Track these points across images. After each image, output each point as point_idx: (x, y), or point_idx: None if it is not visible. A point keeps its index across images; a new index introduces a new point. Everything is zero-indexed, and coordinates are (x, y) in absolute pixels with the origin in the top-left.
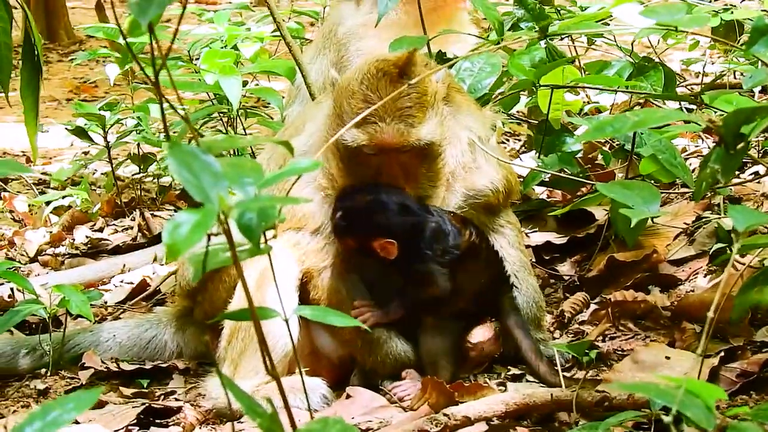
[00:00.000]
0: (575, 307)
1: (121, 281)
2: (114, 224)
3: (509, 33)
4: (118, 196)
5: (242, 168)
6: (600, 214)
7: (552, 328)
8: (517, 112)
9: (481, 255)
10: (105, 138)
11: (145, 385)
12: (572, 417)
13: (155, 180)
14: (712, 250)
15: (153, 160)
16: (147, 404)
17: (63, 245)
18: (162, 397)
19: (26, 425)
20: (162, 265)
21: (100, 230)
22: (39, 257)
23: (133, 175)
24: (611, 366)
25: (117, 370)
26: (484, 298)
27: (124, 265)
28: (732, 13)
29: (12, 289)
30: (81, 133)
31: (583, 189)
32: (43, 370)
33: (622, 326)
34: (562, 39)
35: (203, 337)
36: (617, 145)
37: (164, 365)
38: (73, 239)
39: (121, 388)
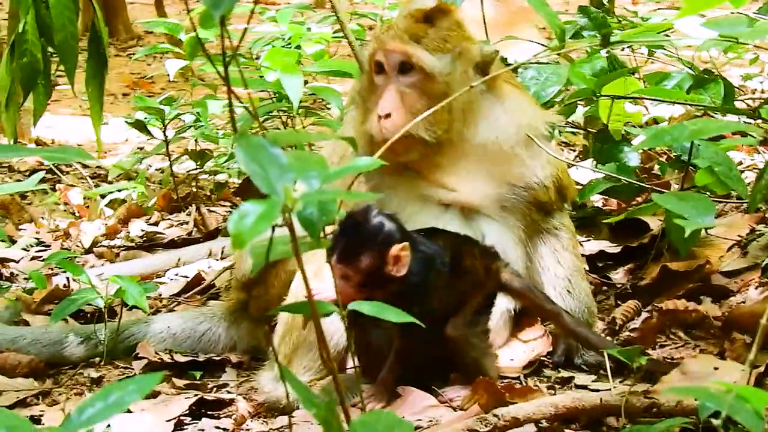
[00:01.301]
0: (627, 315)
1: (176, 275)
2: (169, 219)
3: (570, 41)
4: (174, 190)
5: (308, 161)
6: (654, 224)
7: (603, 335)
8: (574, 122)
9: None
10: (164, 132)
11: (198, 377)
12: (620, 422)
13: (211, 176)
14: (764, 263)
15: (210, 156)
16: (199, 396)
17: (118, 238)
18: (214, 389)
19: (88, 406)
20: (217, 260)
21: (156, 224)
22: (94, 249)
23: (189, 170)
24: (661, 374)
25: (170, 361)
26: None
27: (179, 259)
28: None
29: (68, 279)
30: (140, 126)
31: (638, 199)
32: (96, 359)
33: (673, 335)
34: (623, 49)
35: (259, 330)
36: (674, 156)
37: (217, 358)
38: (129, 232)
39: (174, 379)
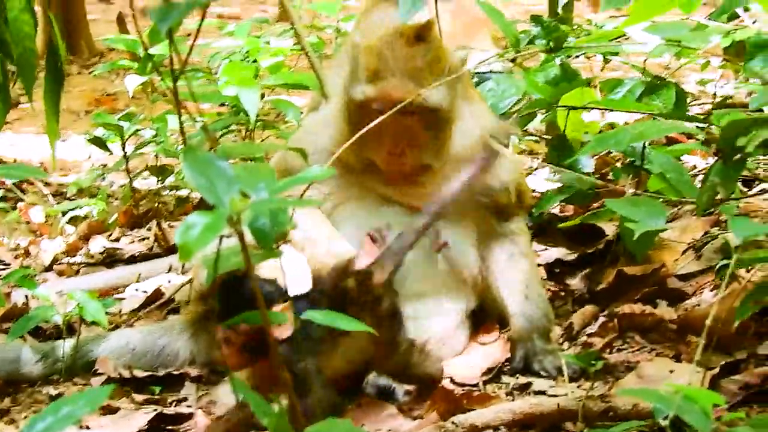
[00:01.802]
0: (584, 320)
1: (136, 290)
2: (130, 235)
3: (529, 47)
4: (135, 207)
5: (256, 173)
6: (610, 229)
7: (561, 340)
8: (534, 129)
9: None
10: (123, 148)
11: (157, 392)
12: (577, 426)
13: (172, 192)
14: (718, 266)
15: (171, 171)
16: (159, 410)
17: (79, 255)
18: (174, 403)
19: (39, 420)
20: (178, 274)
21: (117, 240)
22: (54, 266)
23: (150, 187)
24: (617, 378)
25: (129, 377)
26: None
27: (140, 274)
28: (740, 32)
29: (27, 296)
30: (99, 142)
31: (595, 204)
32: (55, 377)
33: (630, 339)
34: (577, 57)
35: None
36: (627, 162)
37: (177, 372)
38: (89, 249)
39: (133, 394)
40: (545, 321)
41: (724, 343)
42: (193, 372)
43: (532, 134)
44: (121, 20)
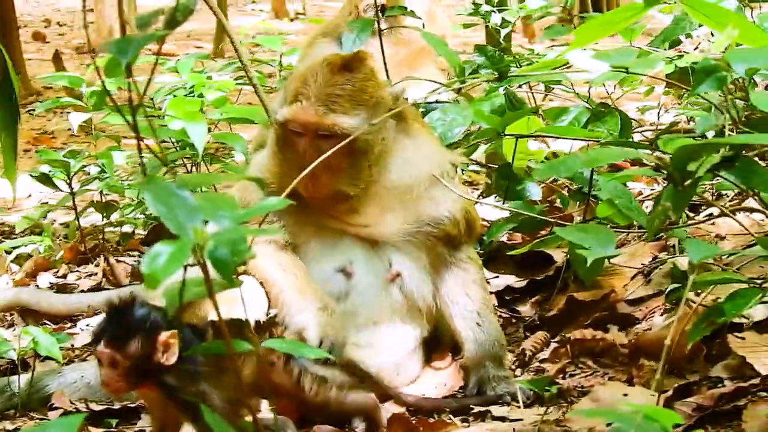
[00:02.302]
0: (536, 346)
1: (87, 325)
2: (78, 271)
3: (470, 78)
4: (80, 243)
5: (217, 202)
6: (558, 256)
7: (513, 366)
8: (476, 160)
9: None
10: (69, 185)
11: (114, 425)
12: None
13: (118, 227)
14: (668, 290)
15: (116, 207)
16: None
17: None
18: None
19: None
20: None
21: (64, 277)
22: None
23: (94, 223)
24: (571, 402)
25: (86, 410)
26: None
27: (89, 306)
28: (686, 58)
29: None
30: (46, 179)
31: (542, 232)
32: (11, 412)
33: (582, 364)
34: (520, 86)
35: None
36: (575, 188)
37: (132, 405)
38: (37, 285)
39: (89, 427)
40: (498, 347)
41: (676, 366)
42: None
43: (475, 163)
44: (57, 58)
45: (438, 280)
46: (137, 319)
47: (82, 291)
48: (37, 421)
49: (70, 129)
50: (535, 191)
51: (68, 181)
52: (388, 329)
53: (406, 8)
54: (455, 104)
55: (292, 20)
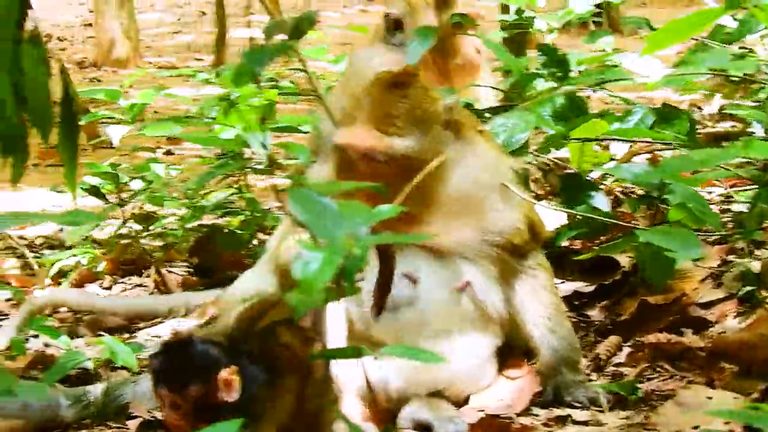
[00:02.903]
0: (609, 350)
1: (148, 335)
2: (123, 282)
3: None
4: (123, 254)
5: (354, 209)
6: (624, 260)
7: (588, 371)
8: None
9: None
10: (119, 196)
11: None
12: None
13: (156, 239)
14: (741, 293)
15: (155, 219)
16: None
17: None
18: None
19: None
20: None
21: (109, 288)
22: (54, 315)
23: (136, 232)
24: (652, 406)
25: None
26: None
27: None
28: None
29: (45, 344)
30: (95, 191)
31: (602, 237)
32: (88, 421)
33: (659, 367)
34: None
35: None
36: (641, 193)
37: None
38: None
39: None
40: (572, 352)
41: (757, 369)
42: None
43: (546, 166)
44: (63, 73)
45: (508, 288)
46: (196, 359)
47: None
48: (116, 430)
49: (79, 144)
50: (600, 199)
51: (117, 192)
52: (461, 338)
53: (464, 15)
54: (517, 109)
55: None
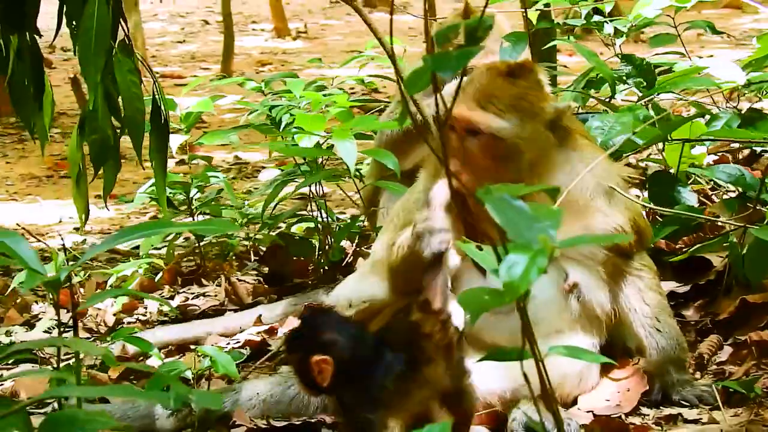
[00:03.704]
0: (711, 349)
1: (227, 344)
2: (183, 292)
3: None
4: (180, 264)
5: (544, 212)
6: (716, 260)
7: (692, 370)
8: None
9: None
10: (189, 205)
11: None
12: None
13: (216, 247)
14: None
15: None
16: None
17: (136, 314)
18: None
19: None
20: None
21: (171, 298)
22: (119, 326)
23: (192, 243)
24: (761, 404)
25: (266, 426)
26: None
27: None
28: None
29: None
30: (168, 202)
31: (685, 239)
32: (188, 430)
33: (764, 365)
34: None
35: None
36: (738, 192)
37: (313, 420)
38: (146, 307)
39: None
40: (679, 352)
41: None
42: (328, 419)
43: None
44: (75, 83)
45: (614, 288)
46: (305, 335)
47: (204, 312)
48: None
49: (89, 154)
50: (689, 196)
51: (188, 201)
52: (569, 339)
53: None
54: (617, 113)
55: (294, 39)
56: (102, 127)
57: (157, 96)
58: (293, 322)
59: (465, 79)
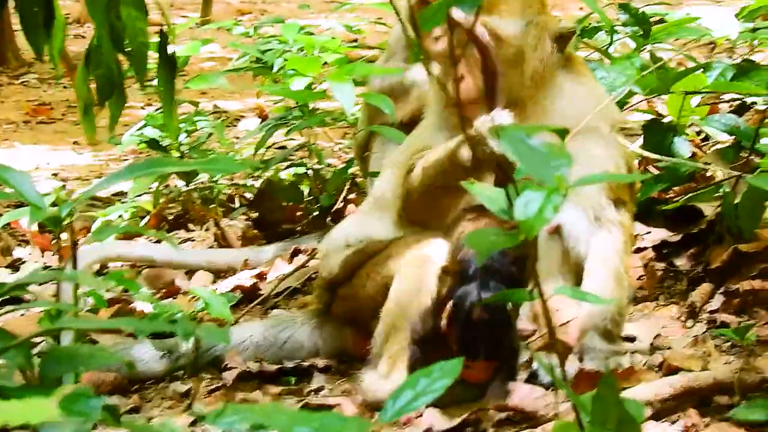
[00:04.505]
0: (703, 297)
1: (216, 289)
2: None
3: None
4: (164, 208)
5: (556, 150)
6: (708, 209)
7: (683, 318)
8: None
9: None
10: (179, 150)
11: (293, 383)
12: (734, 399)
13: (201, 193)
14: None
15: (196, 174)
16: (303, 401)
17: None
18: (312, 394)
19: (406, 388)
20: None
21: (158, 242)
22: (105, 270)
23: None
24: (752, 352)
25: (258, 370)
26: None
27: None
28: None
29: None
30: (155, 144)
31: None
32: (180, 373)
33: (756, 314)
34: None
35: (347, 331)
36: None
37: (305, 364)
38: None
39: (267, 386)
40: (608, 322)
41: None
42: (321, 363)
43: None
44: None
45: (589, 236)
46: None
47: None
48: (209, 381)
49: (66, 99)
50: (683, 145)
51: (177, 146)
52: (548, 282)
53: None
54: (618, 63)
55: None
56: (107, 61)
57: (163, 28)
58: (282, 267)
59: None
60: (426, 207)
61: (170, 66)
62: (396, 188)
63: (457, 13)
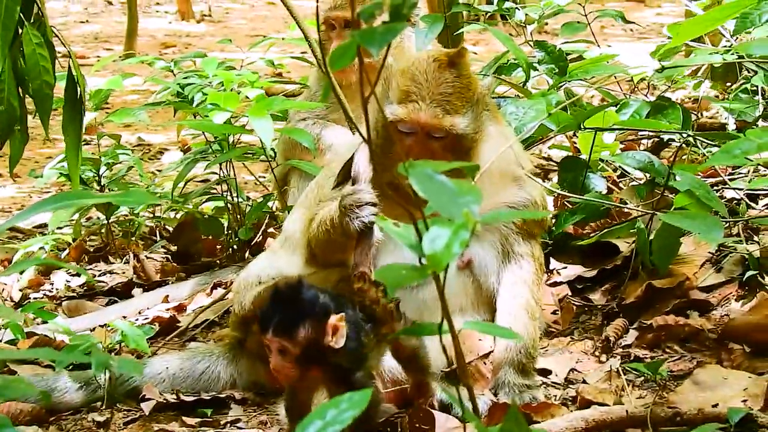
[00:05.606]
0: (617, 332)
1: (136, 319)
2: (91, 269)
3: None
4: (84, 241)
5: (466, 188)
6: (623, 246)
7: (597, 353)
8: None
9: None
10: (99, 182)
11: (209, 414)
12: None
13: (122, 227)
14: (745, 278)
15: (117, 206)
16: None
17: (43, 290)
18: (228, 425)
19: (315, 419)
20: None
21: (78, 275)
22: (25, 301)
23: (98, 220)
24: (664, 386)
25: (176, 401)
26: None
27: (167, 296)
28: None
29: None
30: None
31: (593, 225)
32: (97, 404)
33: (669, 349)
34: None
35: (261, 366)
36: (647, 180)
37: (222, 395)
38: (52, 283)
39: (183, 418)
40: (522, 356)
41: (764, 349)
42: (237, 395)
43: (543, 158)
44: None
45: (500, 270)
46: (305, 304)
47: (112, 288)
48: (126, 413)
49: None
50: (599, 182)
51: (98, 179)
52: (471, 317)
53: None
54: (528, 99)
55: (198, 22)
56: (8, 98)
57: (72, 70)
58: (202, 300)
59: (405, 71)
60: (324, 253)
61: (77, 109)
62: (304, 229)
63: (420, 114)
